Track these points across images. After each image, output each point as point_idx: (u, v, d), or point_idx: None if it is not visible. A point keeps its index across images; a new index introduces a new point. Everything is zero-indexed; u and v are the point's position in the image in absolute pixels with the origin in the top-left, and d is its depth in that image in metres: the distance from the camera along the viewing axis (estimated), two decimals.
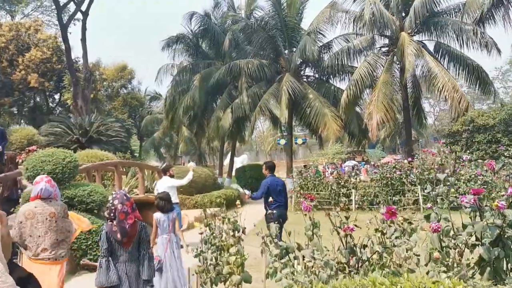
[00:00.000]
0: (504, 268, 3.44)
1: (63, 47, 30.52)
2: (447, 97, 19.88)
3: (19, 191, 9.39)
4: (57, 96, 39.05)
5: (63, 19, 29.00)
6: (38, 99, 38.67)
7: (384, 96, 20.47)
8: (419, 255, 4.06)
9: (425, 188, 13.53)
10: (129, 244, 4.19)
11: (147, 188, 14.65)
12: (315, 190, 16.84)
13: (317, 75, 25.68)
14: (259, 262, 5.42)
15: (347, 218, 3.84)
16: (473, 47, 20.82)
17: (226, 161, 31.63)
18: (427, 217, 4.10)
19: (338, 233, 3.82)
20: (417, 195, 15.00)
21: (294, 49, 24.57)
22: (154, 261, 4.38)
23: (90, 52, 29.75)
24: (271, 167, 8.73)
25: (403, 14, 22.47)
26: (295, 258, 4.30)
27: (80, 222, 5.29)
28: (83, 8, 29.43)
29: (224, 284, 4.15)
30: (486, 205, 3.72)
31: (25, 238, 4.56)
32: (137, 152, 41.28)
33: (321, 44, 24.31)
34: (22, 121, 37.67)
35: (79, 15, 30.37)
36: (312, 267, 3.81)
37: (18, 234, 4.55)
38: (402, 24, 22.05)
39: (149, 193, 14.38)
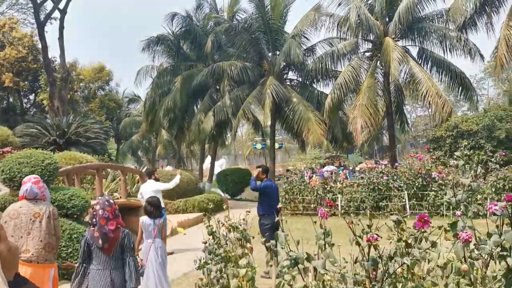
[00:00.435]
0: None
1: (39, 45, 29.62)
2: (431, 102, 19.92)
3: None
4: (32, 97, 37.94)
5: (40, 17, 28.14)
6: (11, 99, 37.49)
7: (368, 101, 20.39)
8: (442, 267, 3.75)
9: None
10: (111, 251, 4.07)
11: (128, 192, 14.10)
12: (301, 195, 16.56)
13: (300, 79, 25.48)
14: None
15: (369, 226, 3.52)
16: (456, 54, 20.98)
17: (204, 165, 31.13)
18: (453, 226, 3.79)
19: (359, 244, 3.49)
20: (403, 200, 14.84)
21: (278, 52, 24.34)
22: (139, 268, 4.30)
23: (66, 52, 28.92)
24: (268, 171, 8.38)
25: (387, 19, 22.48)
26: (304, 270, 3.96)
27: None
28: (61, 6, 28.64)
29: None
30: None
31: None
32: (114, 155, 40.41)
33: (305, 47, 24.13)
34: None
35: (56, 14, 29.56)
36: (328, 280, 3.48)
37: None
38: (386, 29, 22.04)
39: (130, 198, 13.87)
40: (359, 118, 19.97)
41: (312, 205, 16.28)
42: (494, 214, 3.65)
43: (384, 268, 3.36)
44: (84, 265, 4.07)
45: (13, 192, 8.17)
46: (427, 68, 21.89)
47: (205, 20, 28.04)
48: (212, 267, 3.69)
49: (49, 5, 30.47)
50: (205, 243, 4.04)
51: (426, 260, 3.69)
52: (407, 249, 3.63)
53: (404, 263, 3.32)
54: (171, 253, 9.92)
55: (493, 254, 3.69)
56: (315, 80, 24.94)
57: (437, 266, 3.67)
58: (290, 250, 4.03)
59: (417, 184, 14.87)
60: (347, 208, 15.73)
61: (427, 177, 14.84)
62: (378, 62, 22.43)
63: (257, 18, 24.23)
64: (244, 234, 3.77)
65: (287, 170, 21.58)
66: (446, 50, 21.26)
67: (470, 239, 3.48)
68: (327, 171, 42.43)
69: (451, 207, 14.24)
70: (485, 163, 17.20)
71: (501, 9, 20.20)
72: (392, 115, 22.78)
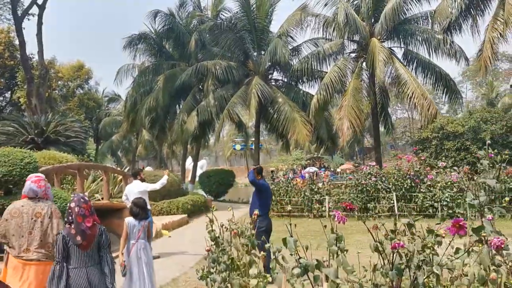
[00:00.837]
0: None
1: (17, 42, 28.68)
2: (416, 104, 19.86)
3: None
4: (8, 94, 36.80)
5: (17, 13, 27.25)
6: None
7: (354, 102, 20.25)
8: (466, 275, 3.47)
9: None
10: (88, 247, 4.01)
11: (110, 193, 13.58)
12: (287, 196, 16.25)
13: (285, 79, 25.22)
14: None
15: (394, 231, 3.21)
16: (441, 56, 20.97)
17: (185, 166, 30.61)
18: (478, 230, 3.50)
19: (381, 251, 3.17)
20: (392, 202, 14.67)
21: (263, 52, 24.04)
22: (115, 266, 4.17)
23: (44, 50, 27.94)
24: (262, 171, 8.07)
25: (373, 20, 22.39)
26: (315, 278, 3.63)
27: None
28: (40, 1, 27.75)
29: None
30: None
31: (10, 237, 4.48)
32: (93, 155, 39.52)
33: (290, 47, 23.88)
34: None
35: (34, 10, 28.67)
36: None
37: (2, 232, 4.49)
38: (372, 30, 21.95)
39: (112, 199, 13.36)
40: (345, 119, 19.79)
41: (299, 207, 16.02)
42: None
43: (412, 278, 3.05)
44: (64, 265, 3.95)
45: None
46: (412, 69, 21.87)
47: (189, 19, 27.57)
48: (216, 276, 3.32)
49: (26, 0, 29.58)
50: (209, 250, 3.66)
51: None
52: (431, 256, 3.33)
53: (434, 272, 3.01)
54: (157, 257, 9.49)
55: None
56: (300, 81, 24.72)
57: (463, 274, 3.39)
58: (300, 257, 3.71)
59: (405, 186, 14.72)
60: (334, 210, 15.48)
61: (416, 179, 14.70)
62: (364, 63, 22.33)
63: (242, 17, 23.90)
64: (252, 239, 3.41)
65: (272, 171, 21.22)
66: (431, 52, 21.26)
67: (502, 245, 3.19)
68: (308, 172, 42.42)
69: (438, 209, 14.18)
70: (473, 165, 17.24)
71: (486, 12, 20.30)
72: (377, 116, 22.71)
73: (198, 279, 3.62)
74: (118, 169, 17.17)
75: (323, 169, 49.73)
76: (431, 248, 3.11)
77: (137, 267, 6.06)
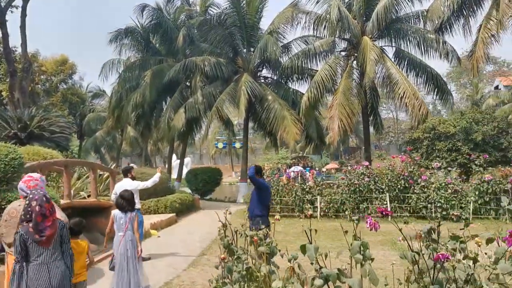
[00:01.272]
0: None
1: None
2: (407, 103, 19.71)
3: None
4: None
5: (1, 4, 26.40)
6: None
7: (345, 101, 20.04)
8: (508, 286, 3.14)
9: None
10: (49, 243, 3.94)
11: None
12: (278, 196, 15.92)
13: (275, 77, 24.87)
14: None
15: (435, 241, 2.88)
16: (433, 55, 20.87)
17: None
18: None
19: (415, 261, 2.84)
20: (385, 202, 14.44)
21: (252, 49, 23.67)
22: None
23: (28, 43, 27.11)
24: (261, 170, 7.77)
25: (364, 19, 22.21)
26: None
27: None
28: None
29: None
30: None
31: (9, 237, 4.43)
32: (76, 152, 38.68)
33: (280, 45, 23.52)
34: None
35: (18, 1, 27.84)
36: None
37: (2, 232, 4.52)
38: (364, 29, 21.76)
39: (99, 197, 12.87)
40: (336, 118, 19.56)
41: (290, 207, 15.71)
42: None
43: None
44: (22, 263, 3.88)
45: None
46: (403, 69, 21.73)
47: (176, 14, 27.06)
48: None
49: None
50: (224, 259, 3.29)
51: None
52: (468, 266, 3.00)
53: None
54: (148, 259, 9.10)
55: None
56: (290, 78, 24.41)
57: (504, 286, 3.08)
58: (321, 267, 3.37)
59: (399, 186, 14.51)
60: (326, 210, 15.23)
61: (410, 179, 14.49)
62: (355, 61, 22.14)
63: (231, 13, 23.48)
64: (272, 247, 3.06)
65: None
66: (423, 51, 21.14)
67: None
68: (293, 171, 42.18)
69: (432, 211, 14.00)
70: (467, 167, 17.16)
71: (478, 12, 20.24)
72: (367, 115, 22.55)
73: None
74: (106, 166, 16.59)
75: (308, 168, 49.58)
76: (473, 259, 2.77)
77: (126, 259, 6.07)
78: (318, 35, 22.97)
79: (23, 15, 26.39)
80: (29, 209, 3.95)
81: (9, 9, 27.83)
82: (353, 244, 3.32)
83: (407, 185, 14.49)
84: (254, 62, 23.02)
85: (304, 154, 64.13)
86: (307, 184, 15.95)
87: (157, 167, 10.39)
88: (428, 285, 2.77)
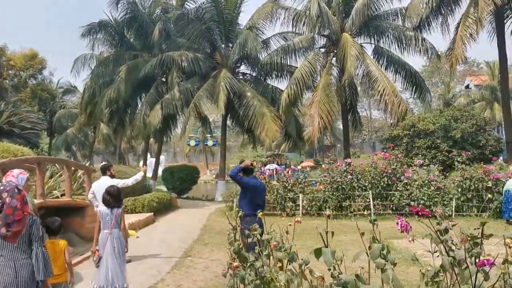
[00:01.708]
0: None
1: None
2: (387, 101, 19.66)
3: None
4: None
5: None
6: None
7: (325, 98, 19.86)
8: None
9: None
10: (15, 239, 3.70)
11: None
12: None
13: (254, 73, 24.48)
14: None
15: (477, 244, 2.57)
16: (412, 52, 20.91)
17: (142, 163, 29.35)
18: None
19: (455, 266, 2.51)
20: (368, 200, 14.27)
21: (231, 44, 23.24)
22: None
23: None
24: (250, 170, 7.38)
25: (343, 15, 22.08)
26: None
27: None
28: None
29: None
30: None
31: None
32: (46, 149, 37.45)
33: (260, 40, 23.15)
34: None
35: None
36: None
37: None
38: (343, 25, 21.62)
39: (73, 196, 12.25)
40: (316, 115, 19.34)
41: (271, 205, 15.37)
42: None
43: None
44: None
45: None
46: (382, 66, 21.70)
47: (152, 8, 26.33)
48: None
49: None
50: (237, 267, 2.88)
51: None
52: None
53: None
54: (129, 261, 8.60)
55: None
56: (269, 75, 24.07)
57: None
58: (340, 273, 3.02)
59: (382, 184, 14.36)
60: (308, 209, 14.97)
61: (393, 176, 14.37)
62: (334, 58, 21.98)
63: (209, 7, 22.96)
64: (292, 253, 2.69)
65: (241, 162, 20.32)
66: (402, 49, 21.15)
67: None
68: (269, 169, 41.98)
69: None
70: (446, 164, 17.18)
71: (456, 10, 20.37)
72: (347, 113, 22.44)
73: None
74: (82, 164, 15.85)
75: (284, 166, 49.52)
76: None
77: (112, 257, 5.96)
78: (297, 31, 22.76)
79: None
80: (0, 200, 3.72)
81: None
82: (373, 247, 3.00)
83: (390, 183, 14.36)
84: (233, 58, 22.59)
85: (280, 152, 64.06)
86: (289, 182, 15.63)
87: (142, 166, 9.88)
88: None
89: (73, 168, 12.18)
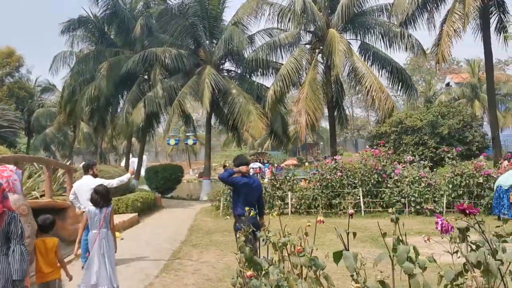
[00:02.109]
0: None
1: None
2: (374, 97, 19.50)
3: None
4: None
5: None
6: None
7: (312, 94, 19.60)
8: None
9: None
10: None
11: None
12: None
13: (239, 70, 24.09)
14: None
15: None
16: (398, 49, 20.79)
17: (123, 162, 28.76)
18: None
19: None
20: (358, 198, 14.03)
21: (215, 41, 22.80)
22: (28, 258, 3.70)
23: None
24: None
25: (329, 11, 21.85)
26: None
27: None
28: None
29: None
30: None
31: None
32: (24, 149, 36.43)
33: (245, 36, 22.77)
34: None
35: None
36: None
37: None
38: (329, 21, 21.39)
39: (54, 197, 11.72)
40: (303, 112, 19.06)
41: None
42: None
43: None
44: None
45: None
46: (368, 62, 21.55)
47: (133, 3, 25.69)
48: None
49: None
50: (251, 276, 2.50)
51: None
52: None
53: None
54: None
55: None
56: (254, 72, 23.70)
57: None
58: (365, 280, 2.68)
59: (372, 181, 14.13)
60: (297, 207, 14.66)
61: (383, 173, 14.15)
62: (320, 54, 21.74)
63: (193, 2, 22.50)
64: (316, 261, 2.34)
65: (224, 166, 19.99)
66: (389, 45, 21.03)
67: None
68: (252, 168, 41.67)
69: (406, 205, 13.72)
70: (433, 160, 17.05)
71: (441, 6, 20.32)
72: (333, 109, 22.24)
73: None
74: (62, 163, 15.25)
75: (267, 165, 49.18)
76: None
77: (98, 258, 5.85)
78: (282, 27, 22.44)
79: None
80: None
81: None
82: (399, 249, 2.66)
83: (380, 180, 14.14)
84: (218, 54, 22.14)
85: (263, 151, 63.77)
86: (277, 180, 15.31)
87: (130, 169, 9.46)
88: None
89: (53, 167, 11.67)
